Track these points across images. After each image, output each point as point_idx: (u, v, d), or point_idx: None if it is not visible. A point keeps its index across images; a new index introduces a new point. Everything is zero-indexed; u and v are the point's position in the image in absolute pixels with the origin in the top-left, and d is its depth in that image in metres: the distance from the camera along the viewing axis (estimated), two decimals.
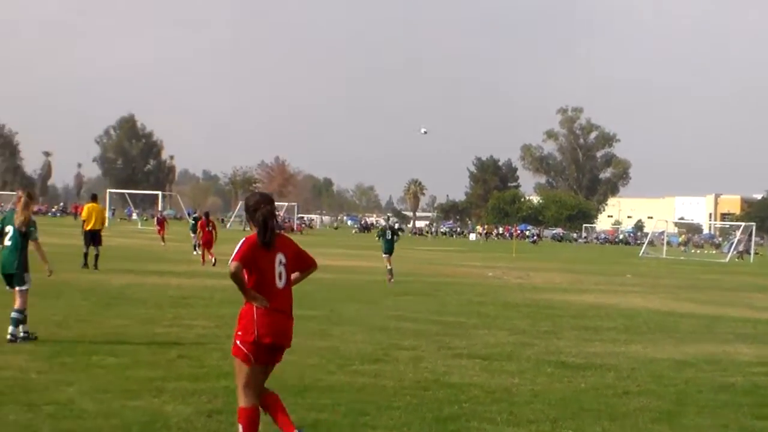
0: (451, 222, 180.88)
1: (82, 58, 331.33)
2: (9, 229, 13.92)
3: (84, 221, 30.56)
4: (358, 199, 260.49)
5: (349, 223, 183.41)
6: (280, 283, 7.60)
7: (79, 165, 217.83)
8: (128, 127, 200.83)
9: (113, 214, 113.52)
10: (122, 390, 10.26)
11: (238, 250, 7.49)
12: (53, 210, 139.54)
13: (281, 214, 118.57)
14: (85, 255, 29.52)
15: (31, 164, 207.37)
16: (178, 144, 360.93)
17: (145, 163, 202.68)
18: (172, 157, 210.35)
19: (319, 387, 11.14)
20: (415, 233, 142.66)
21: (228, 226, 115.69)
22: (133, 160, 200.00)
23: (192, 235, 44.95)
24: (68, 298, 19.84)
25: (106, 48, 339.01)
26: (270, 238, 7.57)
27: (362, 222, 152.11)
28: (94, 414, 9.08)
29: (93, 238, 29.81)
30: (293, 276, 7.92)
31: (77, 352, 12.71)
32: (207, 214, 39.13)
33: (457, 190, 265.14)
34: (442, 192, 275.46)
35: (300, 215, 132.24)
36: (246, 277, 7.49)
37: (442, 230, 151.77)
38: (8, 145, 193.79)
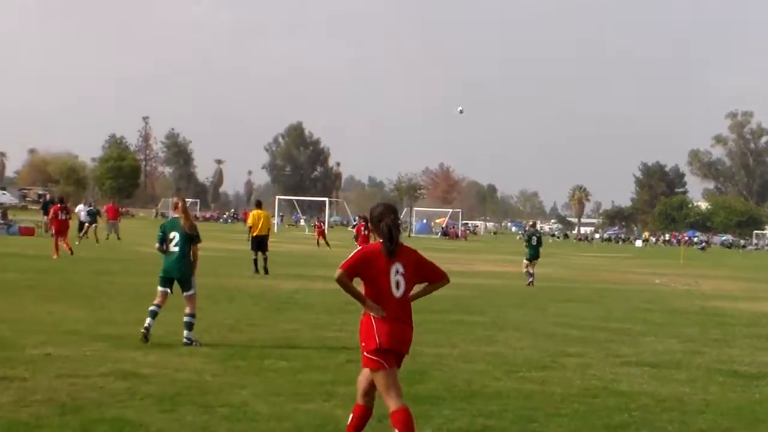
0: (616, 228, 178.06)
1: (253, 66, 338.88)
2: (174, 235, 14.19)
3: (250, 228, 31.27)
4: (522, 206, 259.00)
5: (513, 229, 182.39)
6: (397, 293, 7.65)
7: (250, 172, 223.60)
8: (296, 134, 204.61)
9: (281, 220, 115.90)
10: (294, 393, 10.48)
11: (349, 259, 7.70)
12: (224, 216, 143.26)
13: (446, 220, 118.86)
14: (255, 261, 30.20)
15: (203, 172, 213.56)
16: (345, 151, 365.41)
17: (313, 169, 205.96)
18: (338, 164, 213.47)
19: (486, 393, 11.14)
20: (580, 239, 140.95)
21: None
22: (301, 167, 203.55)
23: (355, 242, 45.41)
24: (240, 302, 20.36)
25: (275, 56, 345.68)
26: (394, 247, 7.67)
27: (526, 228, 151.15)
28: (267, 417, 9.30)
29: (260, 244, 30.49)
30: (421, 288, 8.02)
31: (250, 356, 13.04)
32: (365, 219, 39.58)
33: (623, 196, 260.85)
34: (608, 198, 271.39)
35: (464, 222, 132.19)
36: (350, 283, 7.65)
37: (605, 236, 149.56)
38: (183, 153, 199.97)
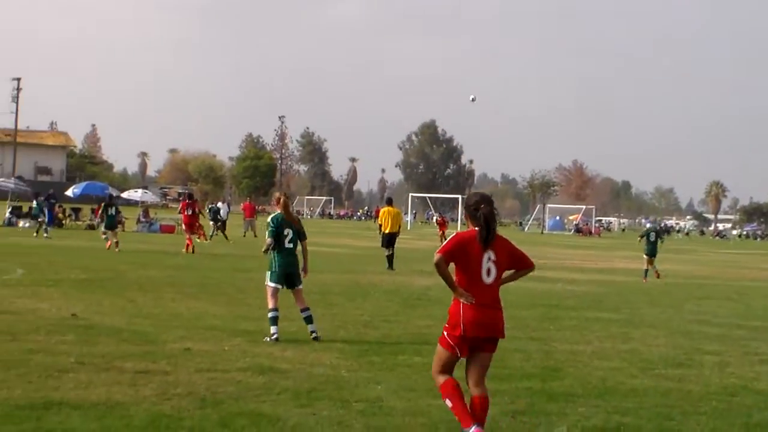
0: (754, 224, 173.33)
1: (387, 65, 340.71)
2: (288, 232, 14.26)
3: (380, 225, 31.63)
4: (657, 202, 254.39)
5: (648, 225, 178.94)
6: (488, 279, 8.01)
7: (383, 170, 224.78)
8: (429, 132, 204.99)
9: (414, 217, 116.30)
10: (428, 389, 10.51)
11: (446, 244, 8.03)
12: (358, 214, 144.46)
13: (580, 217, 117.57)
14: (388, 257, 30.42)
15: (337, 170, 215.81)
16: (478, 148, 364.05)
17: (446, 167, 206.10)
18: (471, 162, 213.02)
19: (621, 390, 11.02)
20: (716, 236, 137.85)
21: (526, 228, 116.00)
22: (434, 164, 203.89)
23: None
24: (374, 299, 20.53)
25: (407, 54, 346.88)
26: (490, 236, 8.00)
27: (662, 225, 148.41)
28: (402, 412, 9.37)
29: (390, 240, 30.77)
30: (508, 273, 8.34)
31: (384, 352, 13.15)
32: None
33: (762, 192, 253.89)
34: (746, 194, 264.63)
35: (598, 218, 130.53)
36: (446, 268, 7.92)
37: (743, 233, 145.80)
38: (317, 151, 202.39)
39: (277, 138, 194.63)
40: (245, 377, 10.77)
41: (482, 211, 8.05)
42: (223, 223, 54.04)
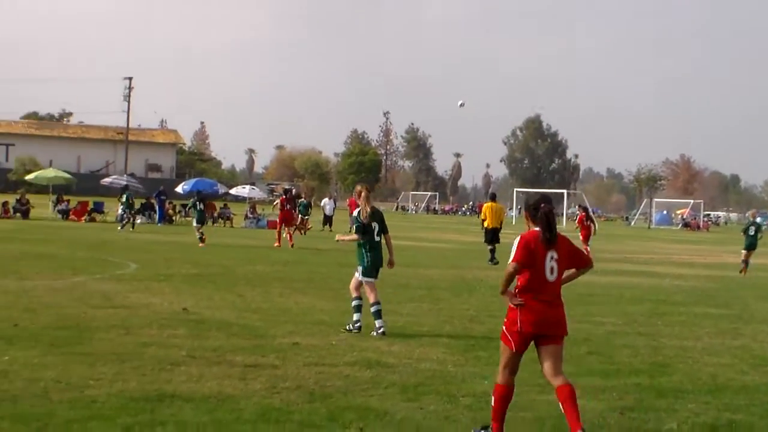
0: None
1: (491, 61, 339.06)
2: (375, 225, 14.36)
3: (483, 220, 31.84)
4: (767, 195, 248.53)
5: (758, 219, 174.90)
6: (551, 277, 8.28)
7: (488, 165, 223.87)
8: (534, 127, 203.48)
9: (519, 212, 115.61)
10: (534, 384, 10.49)
11: (516, 251, 8.23)
12: (462, 209, 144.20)
13: (687, 212, 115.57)
14: (491, 251, 30.43)
15: (442, 165, 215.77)
16: (583, 143, 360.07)
17: (551, 162, 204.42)
18: (576, 156, 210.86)
19: (732, 387, 10.87)
20: None
21: (632, 223, 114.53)
22: (539, 159, 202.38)
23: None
24: (480, 294, 20.51)
25: (512, 49, 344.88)
26: (552, 236, 8.25)
27: (756, 219, 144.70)
28: (510, 407, 9.37)
29: (493, 235, 30.93)
30: (570, 273, 8.60)
31: (490, 347, 13.10)
32: (585, 209, 39.63)
33: None
34: None
35: (706, 212, 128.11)
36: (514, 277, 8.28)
37: None
38: (422, 147, 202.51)
39: (382, 134, 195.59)
40: (353, 371, 10.89)
41: (543, 211, 8.28)
42: (329, 218, 54.58)
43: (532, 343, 8.31)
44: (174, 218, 56.96)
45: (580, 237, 37.50)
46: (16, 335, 12.26)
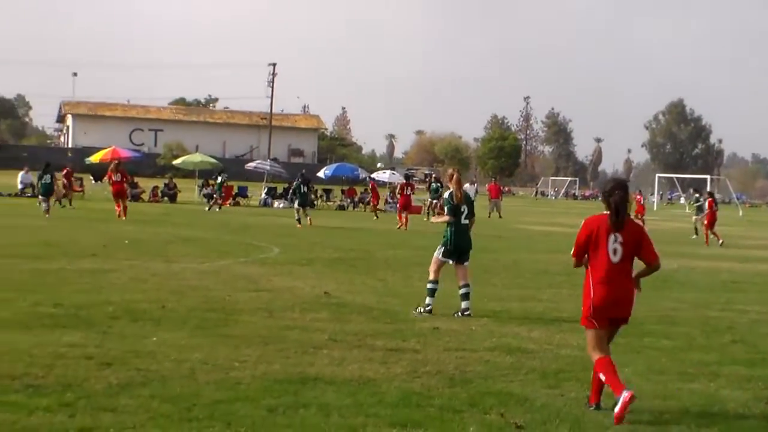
0: None
1: (633, 44, 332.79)
2: (464, 208, 14.52)
3: None
4: None
5: None
6: (614, 258, 8.59)
7: (629, 150, 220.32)
8: (677, 111, 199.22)
9: (661, 197, 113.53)
10: (677, 372, 10.37)
11: (575, 242, 8.79)
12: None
13: None
14: None
15: (582, 150, 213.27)
16: (727, 127, 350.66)
17: (693, 147, 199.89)
18: (720, 141, 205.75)
19: None
20: None
21: None
22: (681, 144, 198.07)
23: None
24: None
25: (655, 33, 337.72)
26: (620, 220, 8.57)
27: None
28: (651, 395, 9.26)
29: None
30: (641, 271, 8.90)
31: (630, 334, 12.90)
32: (711, 194, 39.11)
33: None
34: None
35: None
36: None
37: None
38: (562, 132, 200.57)
39: (522, 119, 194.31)
40: (493, 357, 10.90)
41: (614, 197, 8.58)
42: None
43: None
44: (315, 203, 57.72)
45: (705, 222, 36.86)
46: (164, 317, 12.64)
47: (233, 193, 57.49)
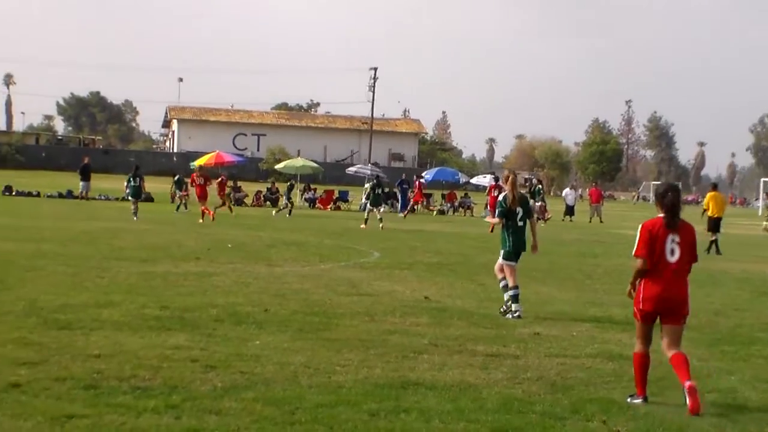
0: None
1: (736, 46, 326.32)
2: (519, 211, 14.59)
3: (705, 209, 32.03)
4: None
5: None
6: (671, 258, 9.11)
7: (733, 154, 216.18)
8: None
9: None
10: None
11: (637, 243, 9.24)
12: (699, 199, 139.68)
13: None
14: (711, 242, 30.31)
15: (685, 154, 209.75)
16: None
17: None
18: None
19: None
20: None
21: None
22: None
23: None
24: (724, 286, 19.96)
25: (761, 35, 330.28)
26: (675, 220, 9.13)
27: None
28: (758, 404, 9.13)
29: (715, 224, 31.19)
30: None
31: (736, 341, 12.80)
32: None
33: None
34: None
35: None
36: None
37: None
38: (664, 136, 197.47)
39: (623, 123, 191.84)
40: (594, 363, 10.84)
41: (668, 198, 9.16)
42: (571, 208, 54.15)
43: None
44: (416, 207, 57.85)
45: None
46: (267, 320, 12.81)
47: (334, 198, 57.90)
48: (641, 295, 9.16)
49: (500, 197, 15.00)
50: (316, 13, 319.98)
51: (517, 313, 14.15)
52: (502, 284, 14.61)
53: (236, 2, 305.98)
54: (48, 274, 16.72)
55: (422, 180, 58.47)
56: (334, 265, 20.90)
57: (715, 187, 34.41)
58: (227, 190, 46.43)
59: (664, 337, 9.15)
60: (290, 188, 47.62)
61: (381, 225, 36.53)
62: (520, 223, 14.66)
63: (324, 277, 18.43)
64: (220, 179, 45.16)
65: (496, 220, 14.77)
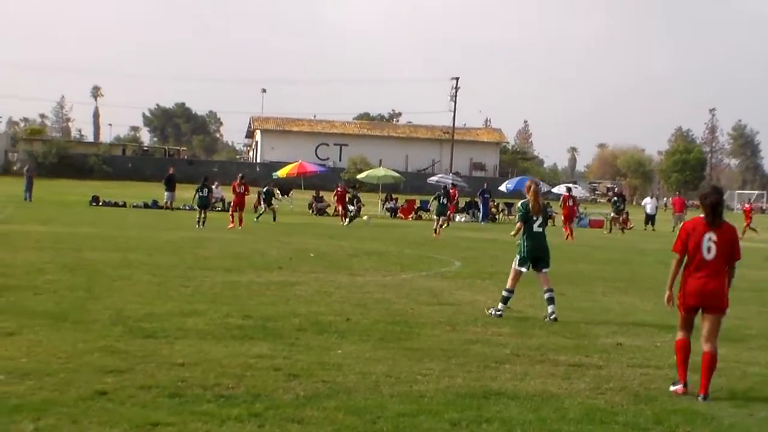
0: None
1: None
2: (537, 218, 15.09)
3: None
4: None
5: None
6: (708, 256, 9.79)
7: None
8: None
9: None
10: None
11: (675, 240, 10.10)
12: None
13: None
14: None
15: None
16: None
17: None
18: None
19: None
20: None
21: None
22: None
23: None
24: None
25: None
26: (716, 220, 9.85)
27: None
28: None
29: None
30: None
31: None
32: None
33: None
34: None
35: None
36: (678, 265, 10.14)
37: None
38: (749, 144, 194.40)
39: (707, 131, 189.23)
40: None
41: (709, 200, 9.85)
42: (651, 217, 53.62)
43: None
44: (497, 216, 57.68)
45: None
46: (349, 329, 12.88)
47: (415, 207, 57.99)
48: (683, 290, 9.93)
49: (520, 203, 15.46)
50: (397, 23, 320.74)
51: (499, 312, 14.70)
52: (505, 294, 15.03)
53: (316, 15, 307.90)
54: (134, 284, 17.01)
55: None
56: (415, 275, 20.94)
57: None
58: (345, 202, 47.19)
59: (703, 328, 9.86)
60: (268, 194, 46.51)
61: (439, 230, 38.56)
62: (539, 229, 15.18)
63: (405, 286, 18.47)
64: (336, 190, 46.25)
65: (519, 225, 15.22)
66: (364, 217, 46.54)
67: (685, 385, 9.72)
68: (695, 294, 9.81)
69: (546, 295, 14.82)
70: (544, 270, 15.14)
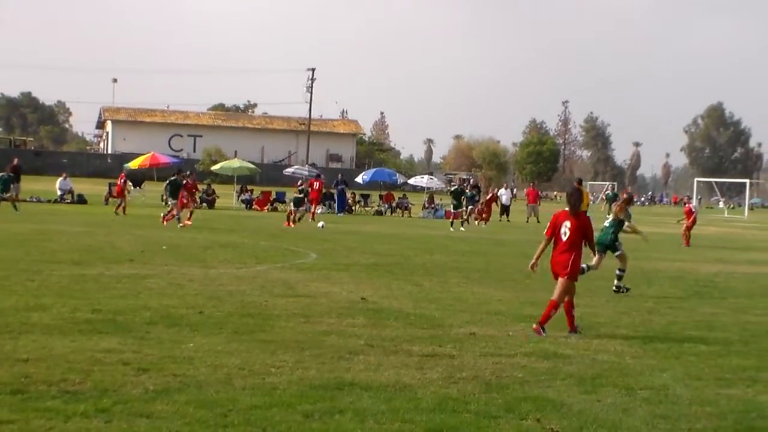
0: None
1: (671, 47, 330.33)
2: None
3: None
4: None
5: None
6: (564, 238, 13.22)
7: (667, 155, 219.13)
8: (716, 115, 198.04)
9: (699, 202, 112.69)
10: (715, 378, 10.31)
11: (548, 226, 13.40)
12: (641, 199, 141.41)
13: None
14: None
15: (620, 154, 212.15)
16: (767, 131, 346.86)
17: (733, 151, 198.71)
18: (759, 145, 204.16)
19: None
20: None
21: None
22: (720, 148, 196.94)
23: None
24: (658, 285, 20.19)
25: (694, 35, 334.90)
26: (571, 209, 13.17)
27: None
28: (689, 400, 9.20)
29: None
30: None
31: (669, 339, 12.93)
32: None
33: None
34: None
35: None
36: None
37: None
38: (601, 136, 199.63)
39: (560, 123, 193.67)
40: (529, 362, 10.87)
41: (567, 193, 13.80)
42: (506, 208, 54.50)
43: None
44: (354, 208, 57.82)
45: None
46: (202, 322, 12.68)
47: (271, 199, 57.68)
48: (552, 260, 13.30)
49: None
50: (252, 12, 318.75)
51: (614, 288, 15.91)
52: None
53: (170, 2, 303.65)
54: None
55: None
56: (270, 267, 20.79)
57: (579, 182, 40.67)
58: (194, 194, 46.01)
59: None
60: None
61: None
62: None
63: (260, 278, 18.31)
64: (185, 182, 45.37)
65: None
66: (319, 224, 42.84)
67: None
68: (553, 264, 13.36)
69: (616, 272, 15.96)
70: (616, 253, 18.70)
